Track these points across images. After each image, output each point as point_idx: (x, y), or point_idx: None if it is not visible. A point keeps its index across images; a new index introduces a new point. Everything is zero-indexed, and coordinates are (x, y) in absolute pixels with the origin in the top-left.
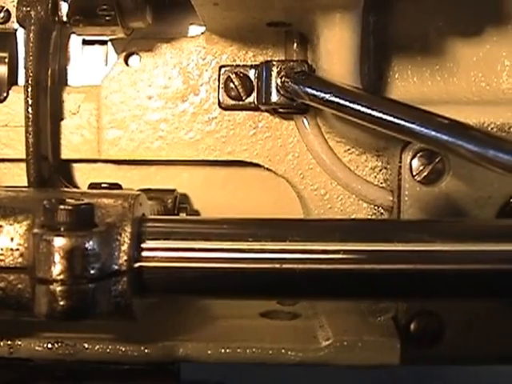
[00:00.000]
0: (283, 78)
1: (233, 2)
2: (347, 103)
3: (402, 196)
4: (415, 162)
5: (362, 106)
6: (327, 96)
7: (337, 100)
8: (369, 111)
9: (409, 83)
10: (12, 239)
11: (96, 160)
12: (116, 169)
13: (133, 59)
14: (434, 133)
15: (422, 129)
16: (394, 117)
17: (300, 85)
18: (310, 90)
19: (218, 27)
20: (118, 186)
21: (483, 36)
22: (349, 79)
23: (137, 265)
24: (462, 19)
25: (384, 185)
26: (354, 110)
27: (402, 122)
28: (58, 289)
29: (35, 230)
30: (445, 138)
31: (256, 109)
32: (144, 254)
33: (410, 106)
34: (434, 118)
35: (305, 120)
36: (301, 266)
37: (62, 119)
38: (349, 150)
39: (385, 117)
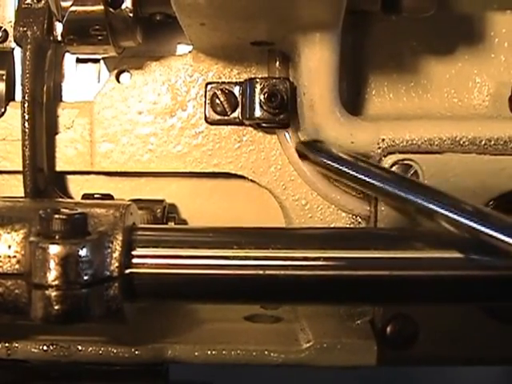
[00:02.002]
0: (266, 95)
1: (218, 23)
2: (352, 172)
3: (378, 206)
4: None
5: (370, 177)
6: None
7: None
8: (385, 187)
9: (385, 99)
10: (9, 247)
11: (89, 172)
12: (108, 180)
13: (124, 76)
14: (420, 201)
15: (403, 194)
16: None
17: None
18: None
19: (204, 46)
20: (109, 197)
21: (455, 55)
22: (328, 95)
23: (128, 271)
24: (435, 39)
25: (361, 195)
26: (359, 180)
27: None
28: (53, 294)
29: (31, 238)
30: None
31: (240, 123)
32: (134, 260)
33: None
34: (421, 187)
35: (286, 134)
36: (283, 272)
37: (57, 133)
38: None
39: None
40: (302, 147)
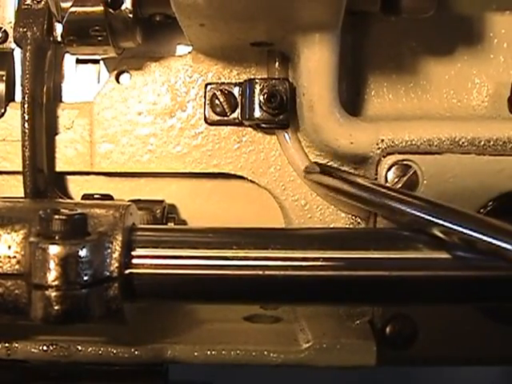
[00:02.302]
0: (265, 95)
1: (218, 24)
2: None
3: None
4: (390, 174)
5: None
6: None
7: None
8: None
9: (384, 100)
10: (9, 247)
11: (89, 172)
12: (108, 181)
13: (124, 77)
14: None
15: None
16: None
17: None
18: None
19: (204, 47)
20: (109, 197)
21: (455, 55)
22: (328, 96)
23: (127, 271)
24: (434, 40)
25: None
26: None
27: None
28: (53, 294)
29: (31, 239)
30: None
31: (240, 124)
32: (134, 261)
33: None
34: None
35: (286, 135)
36: (282, 272)
37: (57, 134)
38: (328, 162)
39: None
40: (312, 167)
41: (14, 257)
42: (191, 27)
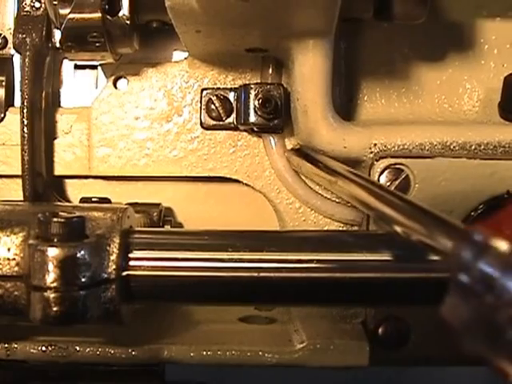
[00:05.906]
0: (260, 100)
1: (214, 30)
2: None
3: None
4: (383, 178)
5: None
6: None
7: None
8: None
9: (377, 105)
10: (9, 249)
11: (87, 176)
12: (105, 184)
13: (121, 82)
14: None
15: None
16: None
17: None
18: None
19: (199, 53)
20: (107, 200)
21: (446, 61)
22: (321, 101)
23: (125, 273)
24: (426, 46)
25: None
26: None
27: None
28: (52, 296)
29: (30, 241)
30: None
31: (235, 128)
32: (131, 263)
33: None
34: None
35: (271, 139)
36: (277, 274)
37: (56, 138)
38: None
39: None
40: (290, 154)
41: (14, 259)
42: (187, 33)
